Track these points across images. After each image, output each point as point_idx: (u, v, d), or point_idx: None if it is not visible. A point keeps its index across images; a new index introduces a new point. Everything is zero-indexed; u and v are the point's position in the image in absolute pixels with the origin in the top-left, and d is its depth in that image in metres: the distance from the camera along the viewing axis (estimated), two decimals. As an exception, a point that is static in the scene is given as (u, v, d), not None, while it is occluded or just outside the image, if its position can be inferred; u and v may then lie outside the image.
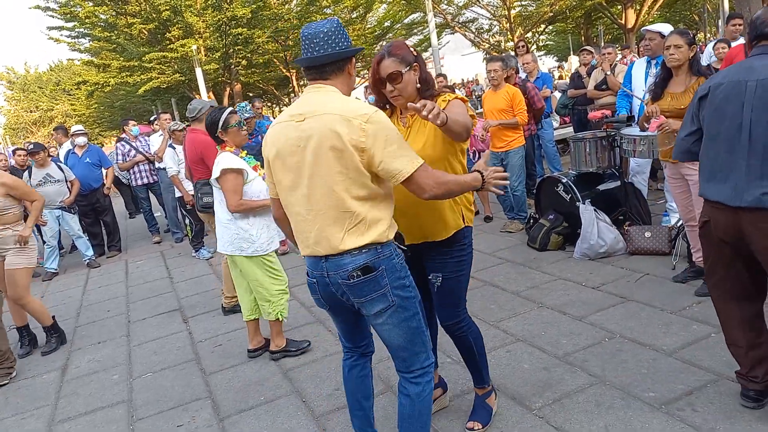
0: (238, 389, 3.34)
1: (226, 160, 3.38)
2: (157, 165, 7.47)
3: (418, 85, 2.23)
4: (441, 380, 2.77)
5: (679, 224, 4.25)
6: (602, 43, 20.81)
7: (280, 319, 3.60)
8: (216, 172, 3.36)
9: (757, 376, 2.36)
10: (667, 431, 2.35)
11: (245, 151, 3.57)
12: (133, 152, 7.73)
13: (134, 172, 7.80)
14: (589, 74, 6.70)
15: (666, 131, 3.38)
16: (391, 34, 24.35)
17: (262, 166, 3.74)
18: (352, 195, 1.88)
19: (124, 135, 8.08)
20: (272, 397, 3.18)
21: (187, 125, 6.54)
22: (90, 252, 7.28)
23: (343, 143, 1.85)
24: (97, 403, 3.48)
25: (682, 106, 3.38)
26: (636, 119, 4.79)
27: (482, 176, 2.12)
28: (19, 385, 3.93)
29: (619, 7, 20.37)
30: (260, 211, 3.44)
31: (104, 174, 7.73)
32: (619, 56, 7.21)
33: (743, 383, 2.41)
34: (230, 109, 3.58)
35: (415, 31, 24.75)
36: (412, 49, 2.25)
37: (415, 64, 2.20)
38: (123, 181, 10.51)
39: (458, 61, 36.61)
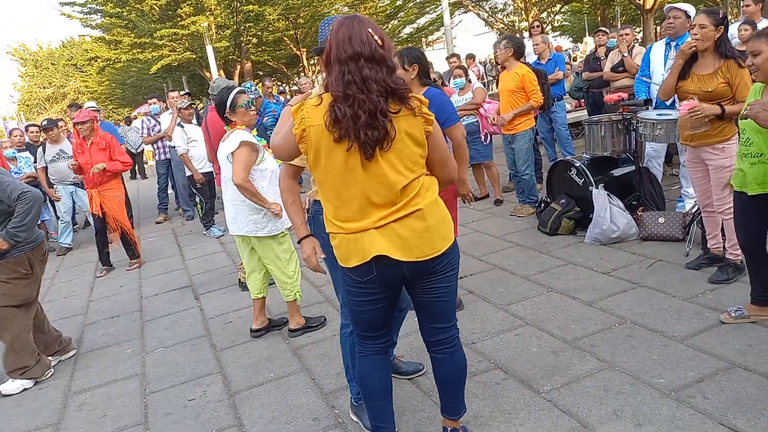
0: (249, 365, 3.38)
1: (242, 134, 3.37)
2: (168, 143, 7.50)
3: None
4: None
5: (693, 210, 4.20)
6: (619, 24, 20.41)
7: (297, 300, 3.65)
8: (233, 145, 3.30)
9: None
10: (677, 417, 2.35)
11: (255, 131, 3.56)
12: (158, 127, 7.76)
13: (158, 147, 7.87)
14: (606, 56, 6.58)
15: (698, 116, 3.24)
16: (402, 13, 24.03)
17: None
18: None
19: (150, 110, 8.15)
20: (282, 374, 3.22)
21: (191, 103, 6.56)
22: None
23: None
24: (111, 375, 3.54)
25: (709, 89, 3.30)
26: (654, 103, 4.70)
27: (305, 237, 2.23)
28: (35, 357, 4.00)
29: (638, -14, 19.89)
30: (272, 188, 3.43)
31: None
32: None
33: None
34: (238, 88, 3.54)
35: (428, 9, 24.38)
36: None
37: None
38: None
39: (471, 41, 36.15)
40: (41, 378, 3.58)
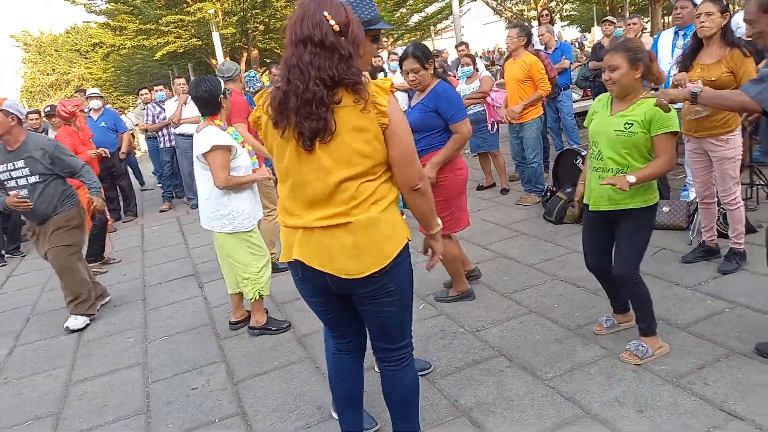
0: (252, 354, 3.39)
1: (215, 135, 3.23)
2: (173, 130, 7.48)
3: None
4: None
5: (698, 199, 4.17)
6: (627, 14, 20.18)
7: (261, 297, 3.56)
8: (205, 147, 3.20)
9: None
10: (678, 403, 2.36)
11: (232, 127, 3.48)
12: (163, 114, 7.73)
13: (163, 135, 7.84)
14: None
15: None
16: (411, 1, 23.83)
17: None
18: None
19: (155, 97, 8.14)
20: (286, 362, 3.23)
21: None
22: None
23: None
24: (113, 364, 3.55)
25: (713, 78, 3.24)
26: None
27: None
28: (36, 345, 4.02)
29: (646, -26, 19.66)
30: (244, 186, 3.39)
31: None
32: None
33: None
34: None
35: (436, -3, 24.15)
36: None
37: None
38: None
39: (479, 30, 35.85)
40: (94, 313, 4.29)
